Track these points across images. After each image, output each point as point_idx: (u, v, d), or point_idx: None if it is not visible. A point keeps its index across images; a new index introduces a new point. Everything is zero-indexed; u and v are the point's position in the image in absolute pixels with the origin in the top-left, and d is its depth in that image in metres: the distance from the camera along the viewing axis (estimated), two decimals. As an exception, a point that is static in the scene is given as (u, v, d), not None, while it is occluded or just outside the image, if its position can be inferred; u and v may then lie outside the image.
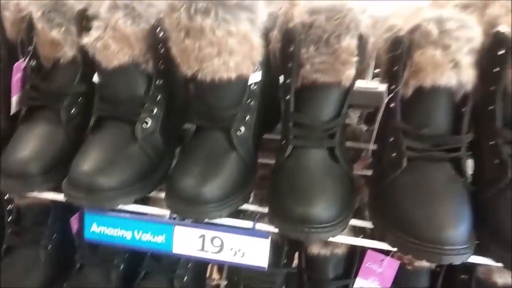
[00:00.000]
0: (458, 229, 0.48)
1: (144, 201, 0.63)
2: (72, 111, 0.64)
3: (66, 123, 0.63)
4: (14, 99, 0.66)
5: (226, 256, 0.56)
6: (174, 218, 0.58)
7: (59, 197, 0.59)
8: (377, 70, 0.83)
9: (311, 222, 0.51)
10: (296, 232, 0.51)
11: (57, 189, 0.61)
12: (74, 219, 0.76)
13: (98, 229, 0.58)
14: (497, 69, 0.51)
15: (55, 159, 0.61)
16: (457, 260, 0.48)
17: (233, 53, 0.53)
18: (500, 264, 0.51)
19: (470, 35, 0.51)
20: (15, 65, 0.65)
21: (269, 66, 0.61)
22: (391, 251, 0.62)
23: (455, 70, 0.51)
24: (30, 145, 0.61)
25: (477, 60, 0.52)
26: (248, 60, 0.55)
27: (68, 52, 0.63)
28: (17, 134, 0.63)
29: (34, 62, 0.65)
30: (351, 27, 0.54)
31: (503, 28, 0.51)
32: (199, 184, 0.54)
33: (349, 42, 0.54)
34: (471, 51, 0.51)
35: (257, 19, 0.54)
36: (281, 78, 0.59)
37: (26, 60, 0.65)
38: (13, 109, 0.66)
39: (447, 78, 0.51)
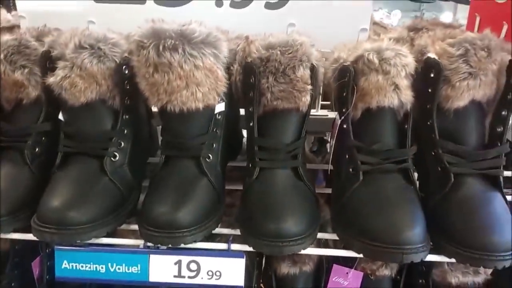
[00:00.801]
0: (414, 230, 0.54)
1: (110, 234, 0.63)
2: (36, 150, 0.64)
3: (30, 162, 0.63)
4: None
5: (203, 280, 0.57)
6: (148, 247, 0.59)
7: (27, 236, 0.58)
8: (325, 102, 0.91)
9: (284, 236, 0.54)
10: (271, 247, 0.54)
11: (23, 229, 0.59)
12: (35, 263, 0.73)
13: (70, 265, 0.57)
14: (431, 89, 0.59)
15: (21, 199, 0.60)
16: (416, 258, 0.53)
17: (200, 84, 0.57)
18: (453, 260, 0.56)
19: (405, 61, 0.59)
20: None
21: (231, 97, 0.65)
22: (355, 263, 0.67)
23: (396, 92, 0.59)
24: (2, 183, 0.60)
25: (412, 83, 0.60)
26: (214, 91, 0.59)
27: (32, 93, 0.63)
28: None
29: (-6, 104, 0.65)
30: (304, 59, 0.60)
31: (432, 55, 0.60)
32: (172, 211, 0.56)
33: (303, 72, 0.60)
34: (407, 75, 0.59)
35: (220, 54, 0.59)
36: (242, 108, 0.64)
37: (-12, 103, 0.64)
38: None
39: (390, 99, 0.59)
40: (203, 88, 0.58)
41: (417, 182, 0.62)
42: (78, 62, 0.59)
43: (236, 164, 0.76)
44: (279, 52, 0.60)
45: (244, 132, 0.80)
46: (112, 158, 0.62)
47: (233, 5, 0.76)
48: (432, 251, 0.57)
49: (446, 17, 2.53)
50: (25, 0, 0.78)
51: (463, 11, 2.69)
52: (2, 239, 0.66)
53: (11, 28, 0.84)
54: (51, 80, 0.60)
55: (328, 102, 0.94)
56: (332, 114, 0.85)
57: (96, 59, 0.60)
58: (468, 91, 0.58)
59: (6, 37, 0.63)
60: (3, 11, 0.90)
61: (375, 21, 0.93)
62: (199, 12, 0.76)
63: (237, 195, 0.81)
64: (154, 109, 0.72)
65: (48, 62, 0.62)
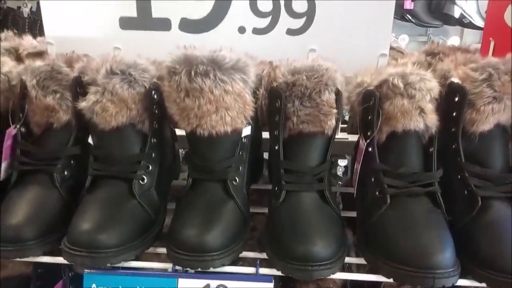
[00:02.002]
0: (445, 254, 0.53)
1: (137, 257, 0.63)
2: (65, 173, 0.65)
3: (60, 185, 0.63)
4: (3, 165, 0.66)
5: (232, 304, 0.57)
6: (176, 271, 0.59)
7: (57, 260, 0.58)
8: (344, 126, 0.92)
9: (313, 260, 0.54)
10: (300, 271, 0.54)
11: (52, 252, 0.60)
12: (57, 287, 0.73)
13: (99, 289, 0.57)
14: (455, 113, 0.60)
15: (50, 223, 0.61)
16: (448, 282, 0.53)
17: (229, 109, 0.59)
18: (483, 284, 0.56)
19: (430, 86, 0.60)
20: (7, 132, 0.65)
21: (256, 120, 0.67)
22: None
23: (421, 116, 0.59)
24: (24, 209, 0.60)
25: (437, 107, 0.61)
26: (241, 115, 0.61)
27: (63, 117, 0.65)
28: (9, 199, 0.62)
29: (24, 128, 0.67)
30: (329, 84, 0.62)
31: (455, 79, 0.61)
32: (202, 234, 0.56)
33: (329, 97, 0.62)
34: (432, 99, 0.60)
35: (249, 79, 0.60)
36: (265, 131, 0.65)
37: (17, 127, 0.66)
38: (2, 175, 0.66)
39: (416, 123, 0.60)
40: (232, 112, 0.59)
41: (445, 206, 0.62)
42: (110, 87, 0.60)
43: (254, 187, 0.76)
44: (305, 77, 0.61)
45: (265, 155, 0.81)
46: (140, 181, 0.62)
47: (256, 31, 0.78)
48: (461, 276, 0.56)
49: (453, 41, 2.57)
50: (53, 27, 0.80)
51: (470, 35, 2.72)
52: (25, 262, 0.67)
53: (38, 54, 0.86)
54: (82, 104, 0.61)
55: (345, 125, 0.95)
56: (352, 138, 0.86)
57: (127, 84, 0.61)
58: (493, 115, 0.59)
59: (39, 63, 0.65)
60: (29, 37, 0.93)
61: (392, 46, 0.94)
62: (222, 38, 0.78)
63: (258, 218, 0.82)
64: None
65: (79, 87, 0.63)
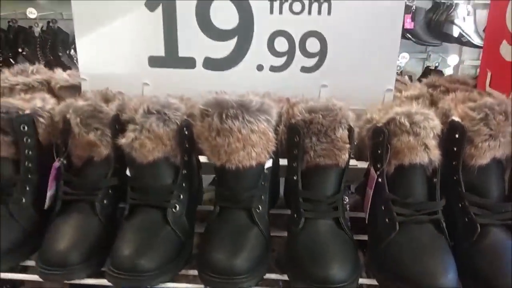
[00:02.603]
0: (448, 276, 0.60)
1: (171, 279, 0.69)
2: (105, 202, 0.72)
3: (100, 213, 0.70)
4: (48, 194, 0.73)
5: (258, 322, 0.63)
6: (207, 292, 0.65)
7: (101, 282, 0.65)
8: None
9: (332, 282, 0.61)
10: (320, 292, 0.61)
11: (94, 275, 0.66)
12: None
13: (138, 310, 0.63)
14: (456, 148, 0.67)
15: (92, 247, 0.67)
16: (451, 302, 0.59)
17: (255, 145, 0.66)
18: (483, 303, 0.63)
19: (433, 124, 0.67)
20: (53, 165, 0.72)
21: (276, 153, 0.74)
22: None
23: (426, 151, 0.67)
24: (69, 236, 0.67)
25: (439, 142, 0.68)
26: (265, 150, 0.68)
27: (103, 151, 0.72)
28: (55, 227, 0.69)
29: (66, 160, 0.74)
30: (343, 122, 0.69)
31: (456, 118, 0.68)
32: (231, 258, 0.63)
33: (342, 133, 0.69)
34: (435, 136, 0.67)
35: (272, 119, 0.68)
36: (285, 162, 0.72)
37: (61, 160, 0.73)
38: (47, 204, 0.73)
39: (421, 158, 0.67)
40: (257, 149, 0.67)
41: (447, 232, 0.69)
42: (147, 126, 0.68)
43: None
44: (321, 116, 0.69)
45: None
46: (173, 209, 0.69)
47: (272, 69, 0.86)
48: (463, 296, 0.63)
49: (452, 59, 2.65)
50: (88, 64, 0.88)
51: (468, 53, 2.81)
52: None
53: (70, 87, 0.93)
54: (123, 141, 0.68)
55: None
56: (361, 164, 0.93)
57: (162, 122, 0.68)
58: (489, 150, 0.66)
59: (81, 102, 0.72)
60: (60, 71, 1.00)
61: (396, 78, 1.02)
62: (242, 75, 0.86)
63: (274, 240, 0.88)
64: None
65: (117, 125, 0.71)
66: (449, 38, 2.54)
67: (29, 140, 0.73)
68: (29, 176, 0.73)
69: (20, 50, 2.71)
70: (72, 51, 2.68)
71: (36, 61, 2.69)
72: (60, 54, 2.73)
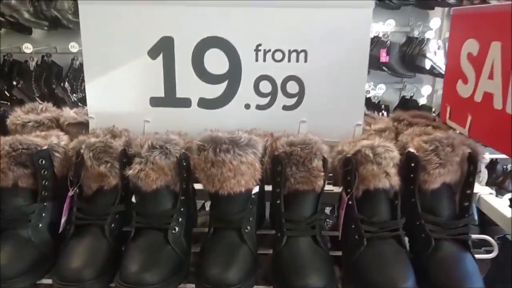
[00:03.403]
0: (408, 283, 0.72)
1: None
2: (113, 225, 0.82)
3: (109, 236, 0.80)
4: (63, 220, 0.83)
5: (248, 327, 0.74)
6: (204, 302, 0.75)
7: (111, 295, 0.75)
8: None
9: (310, 290, 0.72)
10: (300, 299, 0.72)
11: (104, 289, 0.76)
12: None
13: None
14: (412, 175, 0.80)
15: (102, 265, 0.77)
16: (410, 305, 0.71)
17: (243, 174, 0.78)
18: (438, 305, 0.74)
19: (392, 155, 0.80)
20: (68, 194, 0.83)
21: (262, 181, 0.86)
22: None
23: (387, 178, 0.79)
24: (82, 255, 0.77)
25: (399, 170, 0.81)
26: (252, 178, 0.80)
27: (112, 181, 0.83)
28: (69, 248, 0.78)
29: (78, 190, 0.84)
30: (318, 154, 0.82)
31: (412, 149, 0.81)
32: (224, 271, 0.74)
33: (317, 163, 0.81)
34: (394, 165, 0.80)
35: (258, 152, 0.80)
36: (270, 189, 0.84)
37: (74, 189, 0.83)
38: (61, 228, 0.83)
39: (383, 183, 0.79)
40: (245, 177, 0.79)
41: (408, 245, 0.81)
42: (151, 159, 0.79)
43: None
44: (299, 149, 0.81)
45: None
46: (173, 231, 0.80)
47: (258, 107, 0.99)
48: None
49: (425, 89, 2.85)
50: (95, 104, 0.99)
51: (440, 83, 3.01)
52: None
53: (78, 124, 1.04)
54: (130, 172, 0.80)
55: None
56: (337, 189, 1.05)
57: (164, 156, 0.80)
58: (440, 176, 0.79)
59: (94, 139, 0.84)
60: (67, 109, 1.11)
61: (366, 113, 1.16)
62: (232, 113, 0.98)
63: (261, 257, 0.99)
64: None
65: (125, 158, 0.82)
66: (422, 70, 2.74)
67: (46, 172, 0.84)
68: (45, 204, 0.84)
69: (15, 83, 2.81)
70: (66, 84, 2.80)
71: (31, 94, 2.79)
72: (54, 87, 2.84)
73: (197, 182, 0.84)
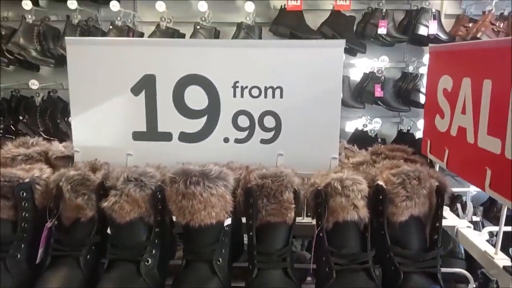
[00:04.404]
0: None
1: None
2: (88, 257, 0.84)
3: (83, 267, 0.82)
4: (40, 251, 0.85)
5: None
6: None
7: (80, 326, 0.76)
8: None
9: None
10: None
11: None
12: None
13: None
14: (381, 207, 0.82)
15: (75, 297, 0.79)
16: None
17: (214, 206, 0.80)
18: None
19: (361, 187, 0.82)
20: (45, 225, 0.85)
21: (235, 212, 0.87)
22: None
23: (355, 210, 0.81)
24: (60, 284, 0.78)
25: (368, 202, 0.83)
26: (223, 210, 0.82)
27: (89, 213, 0.85)
28: (45, 278, 0.80)
29: (57, 221, 0.87)
30: (288, 186, 0.84)
31: (380, 182, 0.83)
32: (193, 304, 0.74)
33: (288, 195, 0.83)
34: (363, 197, 0.82)
35: (229, 184, 0.82)
36: (244, 220, 0.86)
37: (52, 221, 0.86)
38: (38, 259, 0.85)
39: (351, 215, 0.81)
40: (216, 209, 0.81)
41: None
42: (126, 191, 0.82)
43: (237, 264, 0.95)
44: (270, 181, 0.84)
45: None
46: (145, 263, 0.81)
47: (237, 141, 1.02)
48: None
49: (422, 123, 2.87)
50: (80, 139, 1.03)
51: (437, 117, 3.04)
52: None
53: (65, 158, 1.08)
54: (104, 204, 0.82)
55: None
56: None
57: (139, 188, 0.83)
58: (407, 209, 0.81)
59: (72, 172, 0.87)
60: (56, 143, 1.15)
61: (346, 146, 1.18)
62: (211, 146, 1.02)
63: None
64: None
65: (102, 190, 0.85)
66: (417, 105, 2.77)
67: (26, 204, 0.87)
68: (24, 235, 0.86)
69: (21, 117, 2.90)
70: (70, 119, 2.88)
71: (35, 128, 2.87)
72: (59, 121, 2.93)
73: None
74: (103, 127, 1.03)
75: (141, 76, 1.00)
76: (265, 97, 1.00)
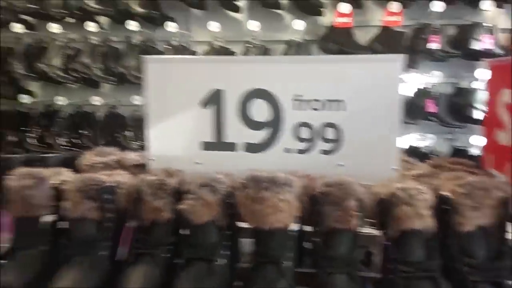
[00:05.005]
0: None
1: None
2: (165, 255, 0.91)
3: (161, 264, 0.89)
4: (121, 249, 0.93)
5: None
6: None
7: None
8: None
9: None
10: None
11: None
12: None
13: None
14: (446, 218, 0.83)
15: (154, 290, 0.86)
16: None
17: (282, 211, 0.85)
18: None
19: (426, 197, 0.84)
20: (126, 225, 0.94)
21: (301, 219, 0.92)
22: None
23: (421, 219, 0.83)
24: (139, 281, 0.86)
25: (433, 212, 0.84)
26: (291, 216, 0.86)
27: (166, 215, 0.93)
28: (128, 274, 0.88)
29: (137, 222, 0.95)
30: (352, 194, 0.87)
31: (444, 192, 0.85)
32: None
33: (352, 203, 0.87)
34: (428, 207, 0.84)
35: (295, 190, 0.87)
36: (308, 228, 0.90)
37: (132, 222, 0.94)
38: (119, 256, 0.93)
39: (417, 225, 0.83)
40: (284, 214, 0.85)
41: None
42: (201, 195, 0.89)
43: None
44: (335, 189, 0.87)
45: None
46: (218, 263, 0.87)
47: (298, 151, 1.07)
48: None
49: (476, 139, 2.79)
50: (155, 148, 1.12)
51: (492, 134, 2.93)
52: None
53: (139, 166, 1.17)
54: (182, 207, 0.89)
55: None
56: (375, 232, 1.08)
57: (212, 193, 0.89)
58: (473, 219, 0.82)
59: (151, 177, 0.95)
60: (129, 153, 1.25)
61: (404, 158, 1.20)
62: (273, 156, 1.07)
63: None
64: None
65: (178, 195, 0.92)
66: (471, 121, 2.70)
67: (109, 205, 0.95)
68: (107, 234, 0.95)
69: (83, 132, 3.12)
70: (126, 132, 3.05)
71: (97, 142, 3.07)
72: (117, 135, 3.11)
73: (241, 220, 0.92)
74: (174, 138, 1.12)
75: (209, 90, 1.08)
76: (326, 109, 1.04)
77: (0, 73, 3.15)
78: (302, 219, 0.92)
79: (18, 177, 0.96)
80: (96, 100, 3.13)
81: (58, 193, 0.95)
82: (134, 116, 3.05)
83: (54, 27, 3.05)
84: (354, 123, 1.03)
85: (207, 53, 2.86)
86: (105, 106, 3.15)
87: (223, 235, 0.90)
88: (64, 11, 3.00)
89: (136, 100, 3.01)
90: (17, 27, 3.09)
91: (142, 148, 1.18)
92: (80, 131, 3.13)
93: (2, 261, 0.93)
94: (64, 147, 3.02)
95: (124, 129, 3.10)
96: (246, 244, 0.94)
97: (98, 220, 0.95)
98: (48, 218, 0.95)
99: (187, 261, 0.88)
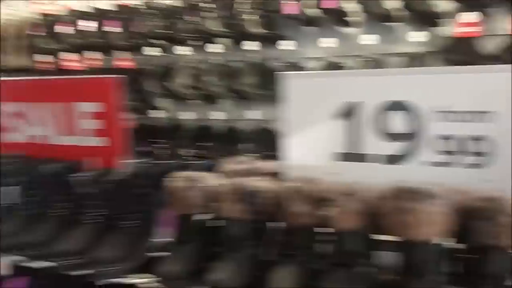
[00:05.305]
0: None
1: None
2: (308, 259, 0.96)
3: (305, 267, 0.95)
4: (265, 250, 1.01)
5: None
6: None
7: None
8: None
9: None
10: None
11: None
12: None
13: None
14: None
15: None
16: None
17: (430, 224, 0.84)
18: None
19: None
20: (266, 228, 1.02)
21: (450, 233, 0.89)
22: None
23: None
24: (286, 281, 0.93)
25: None
26: (438, 229, 0.85)
27: (307, 220, 0.98)
28: (275, 273, 0.95)
29: (279, 225, 1.02)
30: (503, 210, 0.83)
31: None
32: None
33: (504, 220, 0.82)
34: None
35: (443, 204, 0.86)
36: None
37: (275, 224, 1.01)
38: (264, 256, 1.01)
39: None
40: (431, 227, 0.85)
41: None
42: (343, 203, 0.92)
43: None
44: (486, 204, 0.84)
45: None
46: (363, 269, 0.90)
47: (439, 164, 1.04)
48: None
49: None
50: (292, 158, 1.19)
51: None
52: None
53: (273, 174, 1.25)
54: (323, 213, 0.94)
55: None
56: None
57: (355, 202, 0.93)
58: None
59: (292, 184, 1.02)
60: (262, 162, 1.35)
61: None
62: (412, 169, 1.06)
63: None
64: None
65: (320, 201, 0.97)
66: None
67: (258, 208, 1.04)
68: (257, 234, 1.03)
69: (205, 144, 3.39)
70: (244, 145, 3.24)
71: (214, 154, 3.31)
72: (234, 148, 3.31)
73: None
74: (310, 149, 1.18)
75: (346, 103, 1.12)
76: (470, 121, 1.01)
77: (133, 91, 3.59)
78: (452, 233, 0.90)
79: (179, 180, 1.10)
80: (217, 115, 3.38)
81: (213, 195, 1.07)
82: (252, 129, 3.23)
83: (181, 49, 3.39)
84: (505, 136, 0.98)
85: (321, 69, 2.93)
86: (225, 120, 3.38)
87: (365, 244, 0.92)
88: (190, 35, 3.32)
89: (253, 114, 3.19)
90: (148, 50, 3.51)
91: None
92: (200, 143, 3.40)
93: (165, 253, 1.07)
94: (191, 157, 3.32)
95: (239, 142, 3.29)
96: (388, 256, 0.95)
97: (249, 221, 1.04)
98: (203, 216, 1.08)
99: (327, 267, 0.92)
